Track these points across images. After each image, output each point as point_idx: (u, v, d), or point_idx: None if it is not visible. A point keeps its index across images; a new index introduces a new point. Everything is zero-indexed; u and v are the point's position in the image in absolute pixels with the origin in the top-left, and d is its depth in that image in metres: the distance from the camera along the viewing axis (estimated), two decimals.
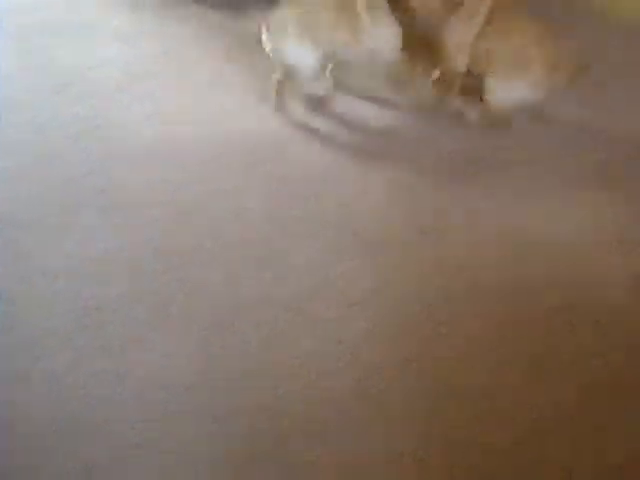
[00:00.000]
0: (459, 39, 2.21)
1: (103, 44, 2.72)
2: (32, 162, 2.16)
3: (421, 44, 2.26)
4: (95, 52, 2.68)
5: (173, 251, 1.88)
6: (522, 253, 1.91)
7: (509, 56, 2.18)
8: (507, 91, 2.23)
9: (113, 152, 2.20)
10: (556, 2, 2.74)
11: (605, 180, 2.15)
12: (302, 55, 2.22)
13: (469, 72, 2.28)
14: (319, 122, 2.31)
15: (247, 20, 2.70)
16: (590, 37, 2.49)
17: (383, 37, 2.20)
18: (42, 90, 2.45)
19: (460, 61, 2.24)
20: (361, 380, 1.60)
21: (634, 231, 1.99)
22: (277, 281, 1.81)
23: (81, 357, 1.61)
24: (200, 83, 2.48)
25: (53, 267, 1.82)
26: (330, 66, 2.36)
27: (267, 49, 2.23)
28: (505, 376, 1.63)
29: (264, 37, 2.22)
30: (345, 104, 2.39)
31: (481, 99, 2.28)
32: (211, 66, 2.35)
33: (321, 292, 1.78)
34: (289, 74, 2.26)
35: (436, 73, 2.33)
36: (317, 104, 2.36)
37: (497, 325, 1.73)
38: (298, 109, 2.30)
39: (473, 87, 2.29)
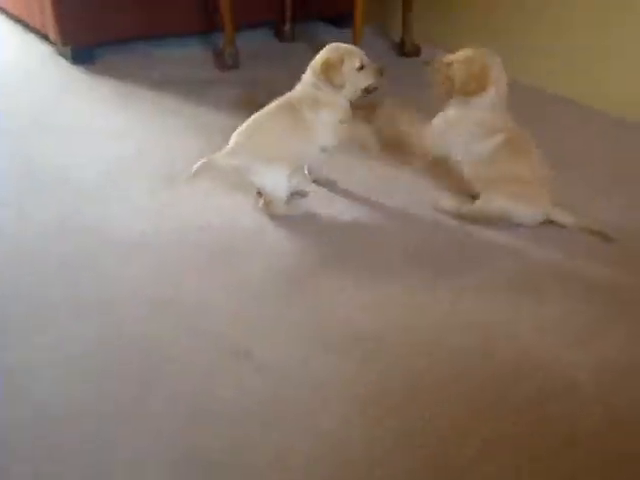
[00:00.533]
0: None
1: (84, 144, 2.79)
2: (10, 259, 2.15)
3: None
4: (77, 151, 2.75)
5: (148, 348, 1.83)
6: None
7: (514, 186, 2.28)
8: (505, 212, 2.32)
9: (90, 251, 2.20)
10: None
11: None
12: (273, 178, 2.32)
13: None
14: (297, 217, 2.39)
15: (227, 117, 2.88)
16: None
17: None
18: (23, 189, 2.48)
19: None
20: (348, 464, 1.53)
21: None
22: (250, 378, 1.75)
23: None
24: (176, 179, 2.49)
25: (24, 365, 1.76)
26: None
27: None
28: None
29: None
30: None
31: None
32: (187, 162, 2.34)
33: (292, 381, 1.73)
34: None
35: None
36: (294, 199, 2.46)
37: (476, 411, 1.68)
38: (279, 209, 2.38)
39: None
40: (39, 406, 1.66)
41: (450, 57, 2.35)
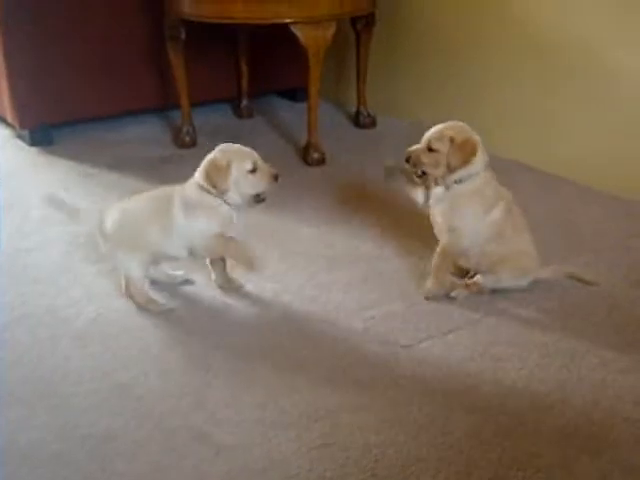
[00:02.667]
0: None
1: (42, 226, 2.78)
2: None
3: None
4: (34, 234, 2.75)
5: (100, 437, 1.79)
6: None
7: (524, 260, 2.29)
8: (502, 284, 2.31)
9: (44, 337, 2.17)
10: None
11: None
12: (127, 265, 2.27)
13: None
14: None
15: None
16: None
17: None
18: None
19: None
20: None
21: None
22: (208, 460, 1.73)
23: None
24: None
25: None
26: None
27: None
28: None
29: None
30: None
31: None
32: None
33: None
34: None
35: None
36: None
37: None
38: (137, 298, 2.30)
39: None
40: None
41: (419, 146, 2.23)
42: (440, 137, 2.19)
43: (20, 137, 3.61)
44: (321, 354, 2.09)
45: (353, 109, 3.88)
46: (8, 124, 3.66)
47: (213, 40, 3.72)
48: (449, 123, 2.23)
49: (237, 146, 2.23)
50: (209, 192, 2.18)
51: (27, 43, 3.40)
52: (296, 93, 4.11)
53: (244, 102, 3.99)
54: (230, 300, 2.33)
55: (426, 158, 2.21)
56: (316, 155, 3.36)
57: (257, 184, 2.18)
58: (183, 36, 3.41)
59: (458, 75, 3.56)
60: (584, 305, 2.28)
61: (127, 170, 3.27)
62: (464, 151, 2.18)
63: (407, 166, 2.24)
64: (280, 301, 2.33)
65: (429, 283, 2.31)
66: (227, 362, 2.06)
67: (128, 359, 2.07)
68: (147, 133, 3.74)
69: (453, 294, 2.31)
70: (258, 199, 2.21)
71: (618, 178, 2.98)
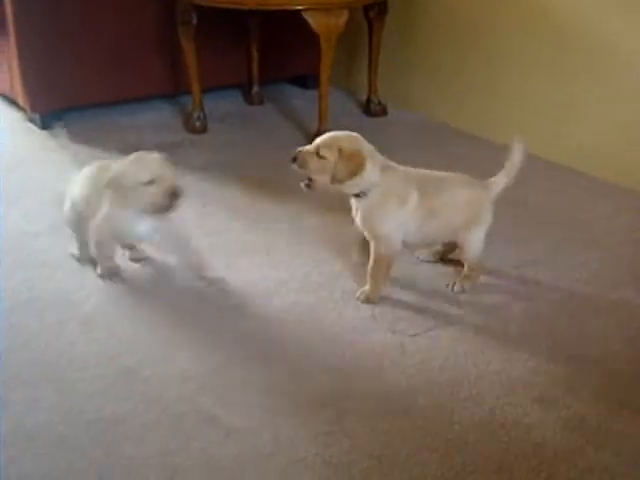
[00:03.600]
0: None
1: (52, 210, 2.73)
2: None
3: None
4: (44, 219, 2.74)
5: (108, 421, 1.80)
6: None
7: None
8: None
9: (51, 321, 2.18)
10: None
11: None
12: None
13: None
14: None
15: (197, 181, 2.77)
16: None
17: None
18: None
19: None
20: None
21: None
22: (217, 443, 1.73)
23: None
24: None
25: None
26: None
27: None
28: None
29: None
30: None
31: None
32: None
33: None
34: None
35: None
36: None
37: None
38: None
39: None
40: None
41: (309, 147, 2.16)
42: (330, 145, 2.13)
43: (31, 121, 3.61)
44: (327, 342, 2.09)
45: (364, 97, 3.87)
46: (20, 107, 3.66)
47: (224, 26, 3.71)
48: (343, 133, 2.18)
49: (147, 155, 2.23)
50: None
51: (39, 26, 3.39)
52: (307, 80, 4.10)
53: (255, 88, 3.98)
54: (237, 287, 2.33)
55: (312, 163, 2.14)
56: None
57: (152, 195, 2.15)
58: (195, 21, 3.40)
59: (472, 66, 3.54)
60: (591, 298, 2.29)
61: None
62: (350, 163, 2.12)
63: (294, 166, 2.17)
64: (286, 289, 2.33)
65: (367, 289, 2.27)
66: (233, 347, 2.07)
67: (134, 343, 2.08)
68: (158, 118, 3.74)
69: (456, 288, 2.31)
70: (158, 209, 2.18)
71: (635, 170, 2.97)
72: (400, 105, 3.83)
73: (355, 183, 2.15)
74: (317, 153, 2.14)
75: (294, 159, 2.15)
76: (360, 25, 3.74)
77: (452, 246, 2.39)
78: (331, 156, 2.12)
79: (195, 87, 3.54)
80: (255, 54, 3.92)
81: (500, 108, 3.40)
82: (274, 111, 3.87)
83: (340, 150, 2.11)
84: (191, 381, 1.93)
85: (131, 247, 2.45)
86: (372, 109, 3.82)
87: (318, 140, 2.17)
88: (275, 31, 3.87)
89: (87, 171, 2.36)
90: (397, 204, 2.18)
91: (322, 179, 2.16)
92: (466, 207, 2.24)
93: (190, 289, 2.32)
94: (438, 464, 1.68)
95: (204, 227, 2.66)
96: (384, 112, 3.83)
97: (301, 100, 3.97)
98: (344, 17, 3.22)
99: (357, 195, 2.19)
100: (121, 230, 2.27)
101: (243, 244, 2.57)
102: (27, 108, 3.57)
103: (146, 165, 2.18)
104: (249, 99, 4.01)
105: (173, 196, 2.15)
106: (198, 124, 3.57)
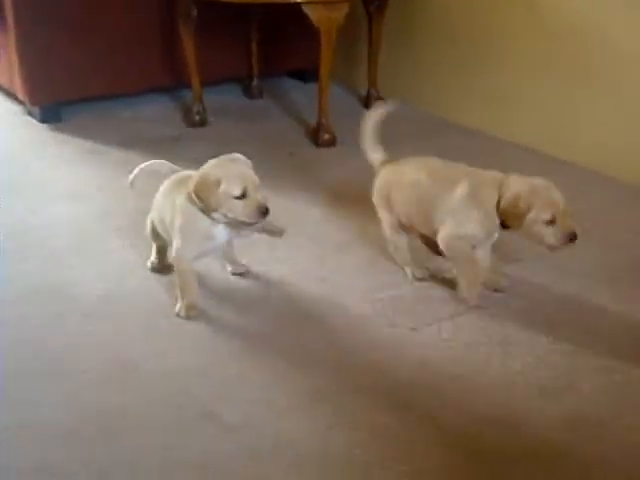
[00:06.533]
0: None
1: (53, 204, 2.78)
2: None
3: None
4: (44, 212, 2.74)
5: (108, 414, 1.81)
6: None
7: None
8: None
9: (55, 314, 2.17)
10: None
11: None
12: None
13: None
14: None
15: None
16: None
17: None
18: None
19: None
20: None
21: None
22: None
23: None
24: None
25: None
26: None
27: None
28: None
29: None
30: None
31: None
32: None
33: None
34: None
35: None
36: None
37: None
38: None
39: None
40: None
41: None
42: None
43: (30, 114, 3.60)
44: (328, 336, 2.09)
45: (364, 91, 3.87)
46: (19, 101, 3.66)
47: (224, 19, 3.70)
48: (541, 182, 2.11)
49: (233, 166, 2.09)
50: (195, 204, 2.06)
51: (39, 19, 3.38)
52: (306, 74, 4.09)
53: (254, 82, 3.98)
54: (238, 282, 2.33)
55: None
56: (326, 136, 3.35)
57: (242, 213, 2.04)
58: (195, 15, 3.40)
59: (471, 61, 3.53)
60: (586, 291, 2.29)
61: (136, 148, 3.26)
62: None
63: None
64: (288, 283, 2.33)
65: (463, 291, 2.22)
66: (234, 342, 2.07)
67: (136, 337, 2.08)
68: (157, 112, 3.73)
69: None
70: (247, 225, 2.10)
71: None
72: (400, 98, 3.82)
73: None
74: None
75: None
76: (360, 19, 3.74)
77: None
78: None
79: (195, 80, 3.53)
80: (255, 48, 3.91)
81: (498, 103, 3.39)
82: (273, 105, 3.87)
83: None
84: (192, 376, 1.93)
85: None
86: (372, 103, 3.81)
87: None
88: (275, 25, 3.86)
89: (171, 181, 2.21)
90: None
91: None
92: None
93: None
94: (439, 458, 1.68)
95: None
96: None
97: (301, 94, 3.96)
98: (344, 11, 3.20)
99: None
100: (204, 240, 2.13)
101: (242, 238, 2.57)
102: (26, 101, 3.56)
103: (238, 176, 2.05)
104: (249, 93, 4.00)
105: (263, 213, 2.05)
106: (198, 118, 3.57)
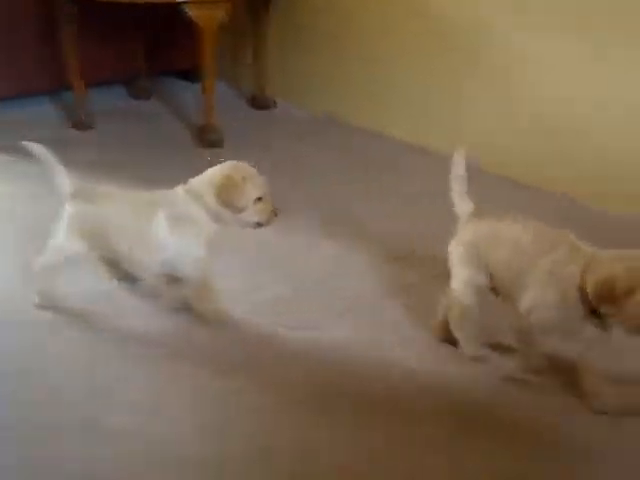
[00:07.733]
0: None
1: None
2: None
3: None
4: None
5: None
6: None
7: None
8: None
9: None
10: None
11: None
12: None
13: None
14: None
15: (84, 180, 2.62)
16: None
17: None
18: None
19: None
20: None
21: None
22: None
23: None
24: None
25: None
26: None
27: None
28: None
29: None
30: None
31: None
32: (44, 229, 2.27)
33: None
34: None
35: None
36: None
37: None
38: None
39: None
40: None
41: None
42: None
43: None
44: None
45: (251, 91, 3.89)
46: None
47: (107, 20, 3.64)
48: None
49: (248, 167, 2.07)
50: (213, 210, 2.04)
51: None
52: (194, 74, 4.07)
53: (141, 83, 3.94)
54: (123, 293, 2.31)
55: None
56: (213, 137, 3.35)
57: (257, 214, 2.06)
58: (74, 15, 3.35)
59: (352, 59, 3.59)
60: None
61: (19, 152, 3.17)
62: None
63: None
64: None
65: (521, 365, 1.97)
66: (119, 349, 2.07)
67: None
68: (41, 115, 3.64)
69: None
70: (255, 225, 2.10)
71: (523, 164, 3.04)
72: (287, 99, 3.86)
73: None
74: None
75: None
76: (247, 18, 3.75)
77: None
78: None
79: (77, 82, 3.48)
80: (140, 48, 3.87)
81: (376, 99, 3.46)
82: (161, 106, 3.84)
83: None
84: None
85: None
86: (259, 102, 3.84)
87: None
88: (161, 24, 3.83)
89: (137, 205, 2.14)
90: None
91: None
92: None
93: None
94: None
95: None
96: (270, 105, 3.85)
97: (188, 94, 3.94)
98: (226, 9, 3.21)
99: None
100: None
101: None
102: None
103: (259, 178, 2.05)
104: (135, 94, 3.96)
105: (275, 214, 2.08)
106: (84, 120, 3.51)
